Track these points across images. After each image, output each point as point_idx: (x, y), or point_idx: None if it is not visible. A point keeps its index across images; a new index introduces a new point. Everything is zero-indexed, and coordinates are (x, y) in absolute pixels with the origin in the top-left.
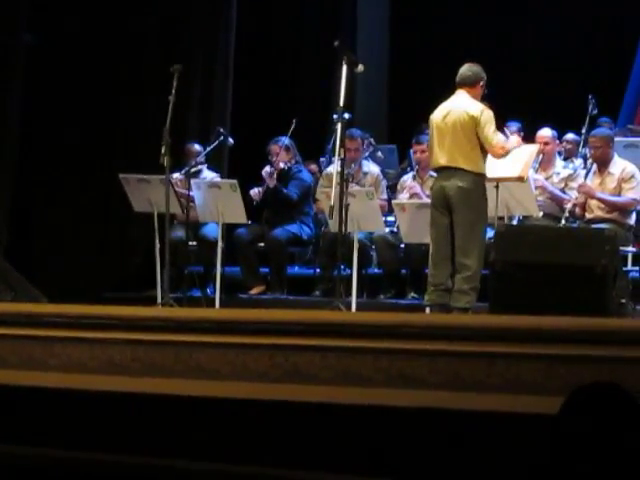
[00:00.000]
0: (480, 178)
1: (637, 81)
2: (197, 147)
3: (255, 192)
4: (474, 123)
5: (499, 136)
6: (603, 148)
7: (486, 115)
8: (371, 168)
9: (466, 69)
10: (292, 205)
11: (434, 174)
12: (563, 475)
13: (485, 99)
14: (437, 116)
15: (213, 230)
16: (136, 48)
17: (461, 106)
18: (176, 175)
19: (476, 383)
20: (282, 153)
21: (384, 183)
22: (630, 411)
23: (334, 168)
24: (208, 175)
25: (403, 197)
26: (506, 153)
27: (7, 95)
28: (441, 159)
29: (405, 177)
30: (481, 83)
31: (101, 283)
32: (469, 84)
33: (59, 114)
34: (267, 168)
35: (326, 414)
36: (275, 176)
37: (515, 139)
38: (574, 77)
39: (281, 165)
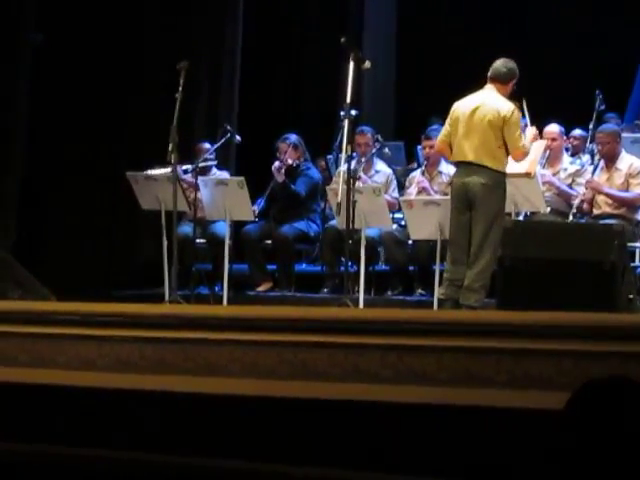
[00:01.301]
0: (503, 177)
1: None
2: (207, 146)
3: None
4: (503, 122)
5: (524, 140)
6: (610, 144)
7: (515, 116)
8: (383, 167)
9: (501, 65)
10: (300, 202)
11: (443, 171)
12: (574, 470)
13: (513, 98)
14: (464, 108)
15: (223, 228)
16: (143, 46)
17: (492, 103)
18: (185, 167)
19: (485, 379)
20: (290, 151)
21: (395, 183)
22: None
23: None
24: (217, 174)
25: (411, 191)
26: (526, 156)
27: (15, 94)
28: (465, 154)
29: (414, 173)
30: (514, 81)
31: (109, 281)
32: (501, 81)
33: (66, 112)
34: (276, 163)
35: (335, 411)
36: (284, 171)
37: (530, 133)
38: (581, 73)
39: (289, 161)
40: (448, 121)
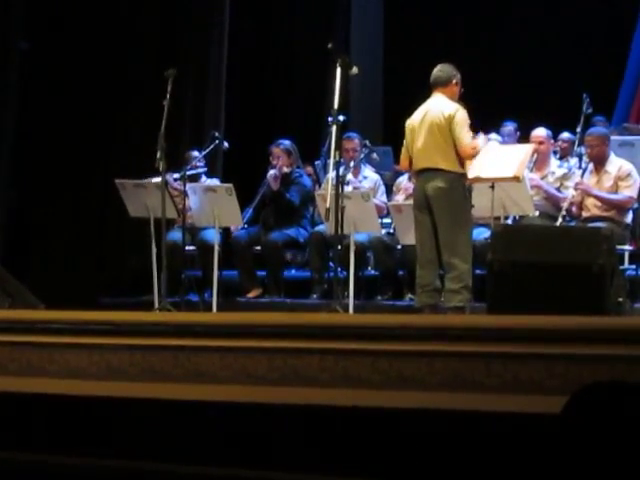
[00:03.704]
0: (460, 177)
1: (631, 79)
2: (196, 153)
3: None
4: (449, 123)
5: (470, 137)
6: (599, 147)
7: (459, 115)
8: (370, 174)
9: (438, 69)
10: (293, 210)
11: None
12: (568, 474)
13: (463, 98)
14: (415, 120)
15: (212, 234)
16: (130, 53)
17: (437, 107)
18: (176, 175)
19: (475, 383)
20: (284, 156)
21: (383, 188)
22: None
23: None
24: (207, 182)
25: (399, 198)
26: (477, 153)
27: (3, 101)
28: (420, 161)
29: (400, 178)
30: (454, 81)
31: (98, 289)
32: (442, 84)
33: (54, 119)
34: (272, 172)
35: (325, 416)
36: (279, 180)
37: (481, 138)
38: (568, 76)
39: (284, 170)
40: (405, 137)
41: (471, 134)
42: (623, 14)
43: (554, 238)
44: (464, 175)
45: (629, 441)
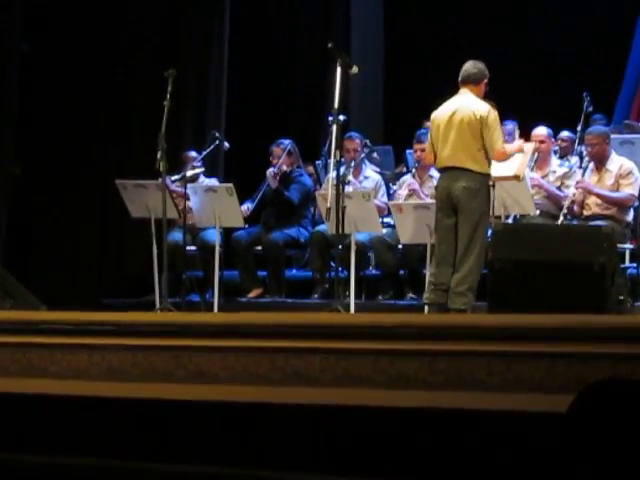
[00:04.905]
0: (485, 178)
1: (632, 77)
2: (194, 154)
3: (244, 208)
4: (481, 124)
5: (502, 141)
6: (600, 145)
7: (493, 116)
8: (372, 174)
9: (471, 66)
10: (292, 209)
11: (434, 175)
12: (571, 473)
13: (488, 97)
14: (442, 115)
15: (213, 235)
16: (131, 53)
17: (468, 105)
18: (174, 177)
19: (476, 382)
20: (285, 157)
21: (384, 189)
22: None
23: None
24: (206, 181)
25: (401, 193)
26: (506, 158)
27: (3, 101)
28: (447, 159)
29: (404, 177)
30: (485, 80)
31: (100, 289)
32: (474, 82)
33: (55, 120)
34: (271, 169)
35: (327, 416)
36: (278, 178)
37: (517, 143)
38: (569, 75)
39: (284, 168)
40: (430, 132)
41: (503, 137)
42: (623, 13)
43: (555, 237)
44: (489, 175)
45: (635, 440)
